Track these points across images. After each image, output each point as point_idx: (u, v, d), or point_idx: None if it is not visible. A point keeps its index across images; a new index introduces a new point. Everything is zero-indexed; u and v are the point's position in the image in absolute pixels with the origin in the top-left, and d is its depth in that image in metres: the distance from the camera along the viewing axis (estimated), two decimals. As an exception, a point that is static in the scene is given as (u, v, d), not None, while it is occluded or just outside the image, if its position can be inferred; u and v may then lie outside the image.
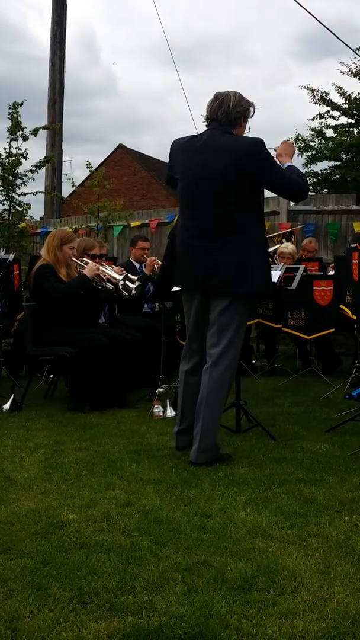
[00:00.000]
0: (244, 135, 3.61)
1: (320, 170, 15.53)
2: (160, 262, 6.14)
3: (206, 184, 3.47)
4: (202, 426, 3.54)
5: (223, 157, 3.42)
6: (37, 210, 27.62)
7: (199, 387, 3.61)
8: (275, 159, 3.61)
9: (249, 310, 3.65)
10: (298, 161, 16.55)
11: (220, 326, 3.54)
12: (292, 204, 9.22)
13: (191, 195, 3.58)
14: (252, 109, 3.58)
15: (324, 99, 14.70)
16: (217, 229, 3.48)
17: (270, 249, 7.01)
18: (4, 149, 9.71)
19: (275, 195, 9.41)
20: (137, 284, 5.18)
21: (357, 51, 13.12)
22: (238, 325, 3.58)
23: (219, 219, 3.48)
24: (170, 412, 4.75)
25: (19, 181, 9.84)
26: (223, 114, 3.48)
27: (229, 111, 3.48)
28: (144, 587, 2.13)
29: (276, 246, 7.12)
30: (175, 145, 3.68)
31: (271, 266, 4.69)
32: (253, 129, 3.67)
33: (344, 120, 15.08)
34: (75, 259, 5.19)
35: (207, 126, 3.60)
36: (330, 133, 15.16)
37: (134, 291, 5.15)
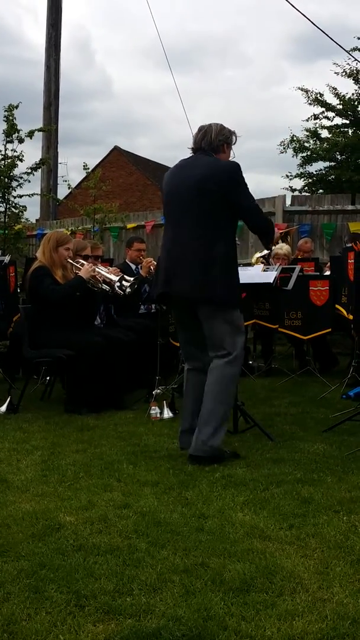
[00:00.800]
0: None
1: (316, 171, 15.54)
2: (156, 264, 6.15)
3: (180, 194, 3.69)
4: (200, 418, 3.59)
5: (199, 170, 3.64)
6: (33, 213, 27.61)
7: (203, 386, 3.67)
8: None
9: (236, 313, 3.71)
10: (294, 162, 16.55)
11: (212, 328, 3.62)
12: (287, 204, 9.24)
13: (169, 206, 3.80)
14: (234, 137, 3.80)
15: (318, 100, 14.71)
16: (189, 238, 3.63)
17: (264, 252, 7.02)
18: (0, 151, 9.71)
19: (270, 196, 9.44)
20: (132, 282, 5.16)
21: (351, 52, 13.15)
22: (232, 330, 3.62)
23: (188, 229, 3.63)
24: (167, 414, 4.74)
25: (14, 183, 9.83)
26: (206, 143, 3.72)
27: (211, 140, 3.71)
28: (141, 589, 2.12)
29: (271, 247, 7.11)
30: (166, 174, 3.91)
31: (267, 267, 4.71)
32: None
33: (338, 120, 15.11)
34: (71, 261, 5.17)
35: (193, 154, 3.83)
36: (325, 134, 15.18)
37: (128, 289, 5.14)
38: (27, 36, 55.75)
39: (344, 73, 14.46)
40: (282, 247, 6.93)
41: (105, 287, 5.16)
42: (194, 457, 3.55)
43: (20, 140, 9.67)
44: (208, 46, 56.25)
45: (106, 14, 57.12)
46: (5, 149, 9.64)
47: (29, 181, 10.13)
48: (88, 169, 11.31)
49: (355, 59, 13.42)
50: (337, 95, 14.56)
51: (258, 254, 7.05)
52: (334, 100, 14.71)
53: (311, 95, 14.75)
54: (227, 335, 3.61)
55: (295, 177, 15.71)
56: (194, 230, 3.60)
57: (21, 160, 9.71)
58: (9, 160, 9.61)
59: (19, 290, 6.48)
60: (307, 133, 15.21)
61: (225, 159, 3.75)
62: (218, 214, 3.60)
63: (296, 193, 14.60)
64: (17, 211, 10.13)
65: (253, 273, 4.38)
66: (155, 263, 6.07)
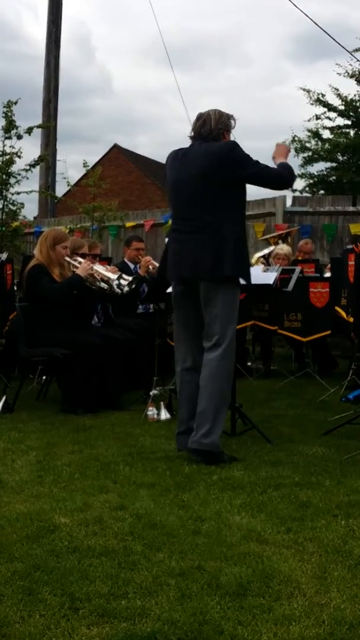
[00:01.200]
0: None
1: (317, 172, 15.54)
2: (155, 263, 6.12)
3: (183, 185, 3.73)
4: (198, 415, 3.60)
5: (198, 161, 3.68)
6: (30, 210, 27.55)
7: (197, 385, 3.67)
8: (272, 159, 3.87)
9: (236, 298, 3.76)
10: (295, 162, 16.58)
11: (211, 317, 3.64)
12: (288, 205, 9.22)
13: (174, 196, 3.83)
14: (232, 122, 3.81)
15: (320, 101, 14.71)
16: (192, 226, 3.68)
17: (266, 251, 7.00)
18: (-2, 147, 9.66)
19: (270, 196, 9.42)
20: (130, 281, 5.13)
21: (353, 53, 13.14)
22: (227, 313, 3.64)
23: (193, 218, 3.69)
24: (164, 415, 4.72)
25: (12, 180, 9.79)
26: (206, 131, 3.74)
27: (211, 129, 3.72)
28: (136, 593, 2.10)
29: (272, 248, 7.11)
30: (168, 157, 3.93)
31: (267, 268, 4.69)
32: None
33: (340, 121, 15.11)
34: (68, 259, 5.15)
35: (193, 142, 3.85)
36: (326, 134, 15.19)
37: (126, 288, 5.11)
38: (26, 31, 55.61)
39: (346, 74, 14.47)
40: (282, 248, 6.93)
41: (103, 285, 5.13)
42: (192, 450, 3.56)
43: (19, 137, 9.64)
44: (208, 45, 56.24)
45: (106, 10, 57.04)
46: (4, 146, 9.61)
47: (27, 178, 10.11)
48: (88, 166, 11.28)
49: (358, 60, 13.42)
50: (339, 95, 14.56)
51: (258, 254, 7.05)
52: (336, 101, 14.73)
53: (313, 96, 14.76)
54: (219, 320, 3.62)
55: (297, 177, 15.71)
56: (203, 216, 3.64)
57: (19, 157, 9.68)
58: (7, 157, 9.58)
59: (15, 288, 6.45)
60: (309, 133, 15.22)
61: None
62: (225, 197, 3.64)
63: (297, 194, 14.61)
64: (14, 208, 10.09)
65: (253, 274, 4.35)
66: (155, 263, 6.07)
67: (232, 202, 3.70)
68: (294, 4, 7.19)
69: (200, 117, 3.78)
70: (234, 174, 3.64)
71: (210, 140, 3.71)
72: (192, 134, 3.80)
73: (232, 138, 3.82)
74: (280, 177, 3.79)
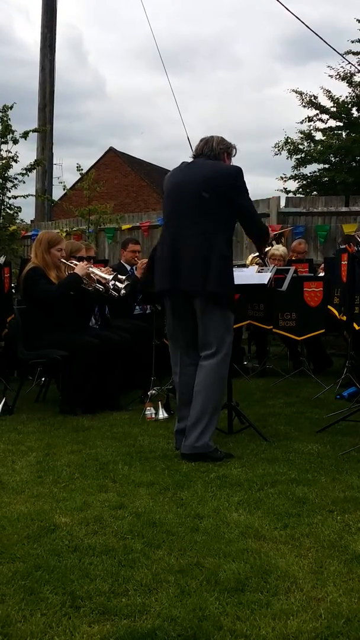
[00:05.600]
0: None
1: (310, 173, 15.60)
2: (150, 258, 6.15)
3: (183, 192, 3.75)
4: (190, 419, 3.63)
5: (202, 170, 3.73)
6: (27, 213, 27.52)
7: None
8: None
9: (232, 308, 3.79)
10: (288, 164, 16.59)
11: (205, 323, 3.67)
12: (282, 205, 9.26)
13: (170, 204, 3.85)
14: (234, 150, 3.89)
15: (312, 103, 14.76)
16: (191, 233, 3.68)
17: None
18: (-5, 152, 9.69)
19: (265, 197, 9.46)
20: (126, 283, 5.15)
21: (344, 55, 13.19)
22: (221, 319, 3.67)
23: (192, 225, 3.69)
24: (162, 414, 4.74)
25: (9, 184, 9.82)
26: (208, 149, 3.80)
27: (212, 147, 3.81)
28: (137, 590, 2.12)
29: (267, 248, 7.14)
30: (167, 175, 3.98)
31: (262, 268, 4.72)
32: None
33: (332, 123, 15.17)
34: (64, 261, 5.16)
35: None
36: (319, 136, 15.24)
37: (123, 291, 5.13)
38: (18, 36, 55.60)
39: (337, 76, 14.53)
40: (278, 248, 6.99)
41: (99, 287, 5.14)
42: (185, 455, 3.59)
43: (15, 141, 9.66)
44: (198, 48, 56.34)
45: (97, 14, 57.04)
46: (0, 150, 9.64)
47: (24, 182, 10.14)
48: (82, 170, 11.30)
49: (350, 62, 13.47)
50: (331, 97, 14.62)
51: (253, 255, 7.09)
52: (327, 103, 14.78)
53: (305, 98, 14.81)
54: (218, 332, 3.65)
55: (290, 178, 15.78)
56: (196, 226, 3.67)
57: (16, 161, 9.71)
58: (4, 161, 9.60)
59: (13, 291, 6.47)
60: (302, 135, 15.27)
61: None
62: (218, 212, 3.68)
63: (290, 195, 14.65)
64: (12, 212, 10.11)
65: (248, 274, 4.40)
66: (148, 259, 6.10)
67: (225, 214, 3.72)
68: (283, 6, 7.23)
69: (203, 139, 3.88)
70: (231, 195, 3.67)
71: (213, 159, 3.78)
72: (194, 154, 3.88)
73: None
74: (263, 231, 4.00)
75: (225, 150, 3.83)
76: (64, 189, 12.24)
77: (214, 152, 3.79)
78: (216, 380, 3.68)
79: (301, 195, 14.65)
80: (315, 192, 15.16)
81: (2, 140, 9.56)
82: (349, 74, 14.38)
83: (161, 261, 3.80)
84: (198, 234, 3.65)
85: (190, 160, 3.88)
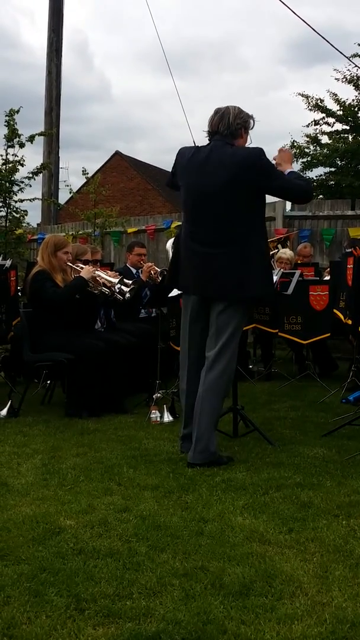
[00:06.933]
0: (246, 146, 3.69)
1: (316, 177, 15.57)
2: (156, 268, 6.17)
3: (207, 196, 3.58)
4: (198, 428, 3.58)
5: (224, 170, 3.52)
6: (34, 217, 27.65)
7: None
8: (276, 166, 3.73)
9: (247, 314, 3.71)
10: (294, 167, 16.53)
11: (218, 328, 3.62)
12: (287, 209, 9.26)
13: (193, 205, 3.68)
14: (251, 121, 3.68)
15: (319, 106, 14.76)
16: (219, 239, 3.57)
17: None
18: (1, 155, 9.72)
19: (270, 201, 9.46)
20: (131, 287, 5.17)
21: (351, 59, 13.19)
22: (234, 328, 3.63)
23: (220, 230, 3.57)
24: (167, 418, 4.74)
25: (15, 188, 9.84)
26: (224, 126, 3.59)
27: (229, 123, 3.59)
28: (141, 593, 2.13)
29: (273, 251, 7.15)
30: (181, 153, 3.77)
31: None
32: (251, 133, 3.72)
33: (338, 126, 15.16)
34: (70, 264, 5.18)
35: (209, 140, 3.70)
36: (325, 139, 15.23)
37: (127, 294, 5.13)
38: (24, 39, 55.84)
39: (344, 79, 14.52)
40: (285, 252, 7.01)
41: (105, 290, 5.16)
42: (191, 464, 3.56)
43: (21, 145, 9.69)
44: (204, 51, 56.41)
45: (103, 17, 57.20)
46: (7, 154, 9.67)
47: (30, 186, 10.14)
48: (87, 174, 11.32)
49: (356, 65, 13.47)
50: (337, 101, 14.61)
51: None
52: (334, 106, 14.77)
53: (312, 101, 14.80)
54: (225, 336, 3.59)
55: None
56: (228, 229, 3.54)
57: (22, 165, 9.73)
58: (10, 165, 9.63)
59: (19, 295, 6.49)
60: (308, 139, 15.27)
61: (242, 145, 3.65)
62: (251, 207, 3.55)
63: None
64: (18, 216, 10.13)
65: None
66: (156, 268, 6.11)
67: (257, 212, 3.61)
68: (291, 10, 7.23)
69: (217, 111, 3.62)
70: (260, 184, 3.52)
71: (228, 137, 3.57)
72: (209, 129, 3.65)
73: (249, 141, 3.70)
74: (303, 190, 3.68)
75: (243, 125, 3.60)
76: (69, 193, 12.28)
77: (231, 129, 3.56)
78: (218, 394, 3.62)
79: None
80: (321, 196, 15.14)
81: (9, 143, 9.58)
82: (355, 77, 14.37)
83: (188, 266, 3.67)
84: (232, 242, 3.51)
85: (205, 136, 3.65)
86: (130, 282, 5.27)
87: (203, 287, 3.65)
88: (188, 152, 3.73)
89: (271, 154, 3.87)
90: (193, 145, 3.83)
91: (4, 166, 9.63)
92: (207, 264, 3.59)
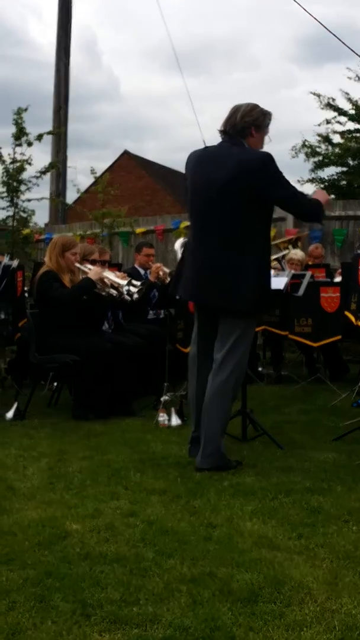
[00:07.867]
0: (261, 145, 3.58)
1: (327, 176, 15.48)
2: (165, 269, 6.16)
3: (209, 196, 3.48)
4: (205, 432, 3.55)
5: (226, 170, 3.41)
6: (41, 217, 27.66)
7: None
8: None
9: (254, 319, 3.65)
10: (305, 167, 16.48)
11: (223, 332, 3.57)
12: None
13: (196, 207, 3.61)
14: (266, 119, 3.53)
15: (330, 105, 14.68)
16: (218, 243, 3.49)
17: (278, 255, 7.01)
18: (9, 154, 9.74)
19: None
20: (139, 288, 5.14)
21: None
22: (240, 332, 3.57)
23: (220, 233, 3.49)
24: (175, 421, 4.71)
25: (23, 187, 9.86)
26: (230, 125, 3.48)
27: (235, 122, 3.47)
28: (148, 599, 2.10)
29: (284, 252, 7.11)
30: (190, 156, 3.70)
31: (278, 272, 4.68)
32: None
33: (350, 125, 15.07)
34: (78, 265, 5.17)
35: (221, 139, 3.62)
36: (337, 139, 15.15)
37: (135, 295, 5.10)
38: (31, 37, 55.83)
39: (356, 77, 14.44)
40: (297, 253, 6.97)
41: (112, 292, 5.13)
42: (199, 469, 3.52)
43: (29, 144, 9.70)
44: (214, 49, 56.14)
45: (111, 14, 57.07)
46: (15, 153, 9.68)
47: (38, 185, 10.18)
48: (96, 173, 11.33)
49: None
50: (349, 100, 14.53)
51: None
52: (346, 105, 14.69)
53: (323, 100, 14.73)
54: (232, 341, 3.54)
55: (307, 182, 15.66)
56: (223, 237, 3.44)
57: (30, 164, 9.75)
58: (18, 164, 9.65)
59: (26, 295, 6.48)
60: (319, 138, 15.19)
61: (254, 144, 3.50)
62: (248, 214, 3.41)
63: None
64: (25, 215, 10.16)
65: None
66: (165, 269, 6.09)
67: (259, 220, 3.48)
68: (302, 7, 7.15)
69: (233, 109, 3.50)
70: (262, 191, 3.39)
71: (236, 136, 3.45)
72: (219, 128, 3.54)
73: (267, 140, 3.57)
74: (312, 211, 3.56)
75: (253, 124, 3.43)
76: (77, 192, 12.30)
77: (237, 128, 3.42)
78: (225, 399, 3.56)
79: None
80: (332, 196, 15.06)
81: (17, 142, 9.60)
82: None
83: (188, 273, 3.64)
84: (228, 248, 3.43)
85: (219, 134, 3.55)
86: (138, 283, 5.24)
87: (200, 294, 3.60)
88: (195, 154, 3.67)
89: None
90: (203, 146, 3.77)
91: (12, 165, 9.65)
92: (204, 269, 3.53)
